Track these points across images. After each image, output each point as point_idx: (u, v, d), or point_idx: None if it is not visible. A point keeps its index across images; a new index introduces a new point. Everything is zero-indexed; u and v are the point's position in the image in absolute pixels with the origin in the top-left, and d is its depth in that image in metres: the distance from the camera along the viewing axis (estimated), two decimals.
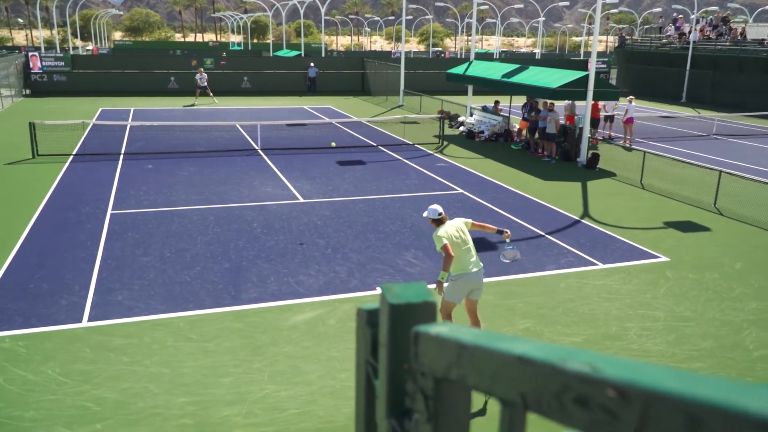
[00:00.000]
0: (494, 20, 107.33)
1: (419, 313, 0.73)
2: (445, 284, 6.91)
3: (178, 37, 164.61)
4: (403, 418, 0.73)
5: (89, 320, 7.76)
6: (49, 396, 6.16)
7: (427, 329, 0.69)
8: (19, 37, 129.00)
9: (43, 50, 50.76)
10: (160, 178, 15.35)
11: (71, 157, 17.61)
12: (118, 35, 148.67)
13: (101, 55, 47.79)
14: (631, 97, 22.68)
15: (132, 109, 28.70)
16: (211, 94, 32.72)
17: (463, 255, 6.84)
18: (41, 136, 18.04)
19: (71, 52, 57.26)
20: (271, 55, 57.67)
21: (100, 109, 28.28)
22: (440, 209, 7.01)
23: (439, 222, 6.96)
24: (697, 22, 42.65)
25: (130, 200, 13.32)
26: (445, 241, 6.70)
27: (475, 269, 6.88)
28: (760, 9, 60.19)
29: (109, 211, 12.46)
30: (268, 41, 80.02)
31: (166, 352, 7.07)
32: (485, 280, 7.54)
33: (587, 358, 0.52)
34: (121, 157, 17.90)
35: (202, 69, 33.23)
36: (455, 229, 6.92)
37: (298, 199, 13.75)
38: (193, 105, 31.07)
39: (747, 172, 17.24)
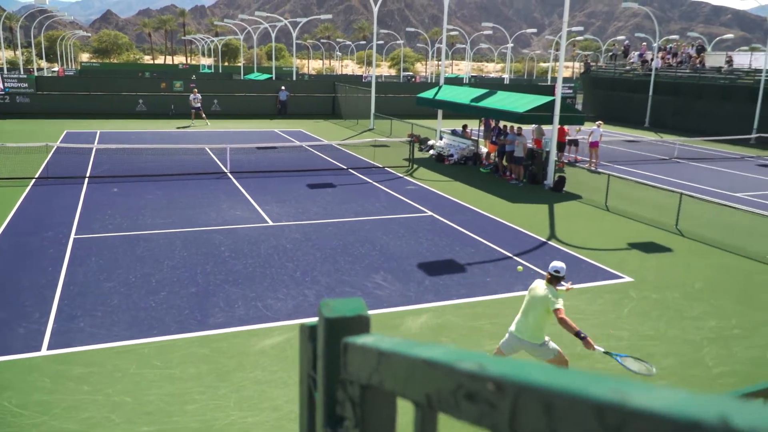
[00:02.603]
0: (464, 46, 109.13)
1: (352, 326, 0.77)
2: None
3: (147, 59, 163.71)
4: (337, 426, 0.77)
5: (49, 348, 7.58)
6: (5, 429, 5.98)
7: (354, 340, 0.74)
8: None
9: (5, 71, 49.97)
10: (126, 202, 15.17)
11: (33, 180, 17.30)
12: (85, 57, 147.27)
13: (67, 77, 47.26)
14: (599, 122, 23.21)
15: (98, 132, 28.36)
16: (204, 116, 32.49)
17: (520, 315, 6.69)
18: (2, 159, 17.72)
19: (35, 73, 56.50)
20: (242, 78, 57.70)
21: (65, 132, 27.88)
22: (560, 268, 6.63)
23: (554, 280, 6.63)
24: (662, 49, 43.93)
25: (95, 224, 13.12)
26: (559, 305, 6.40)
27: (520, 336, 6.62)
28: (717, 38, 62.31)
29: (73, 236, 12.25)
30: (239, 64, 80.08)
31: (129, 380, 6.94)
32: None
33: (478, 359, 0.58)
34: (86, 180, 17.65)
35: (195, 90, 32.74)
36: (533, 291, 6.66)
37: (268, 223, 13.69)
38: (187, 127, 30.81)
39: (707, 194, 17.70)
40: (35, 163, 19.42)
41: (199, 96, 31.77)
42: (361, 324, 0.78)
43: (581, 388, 0.47)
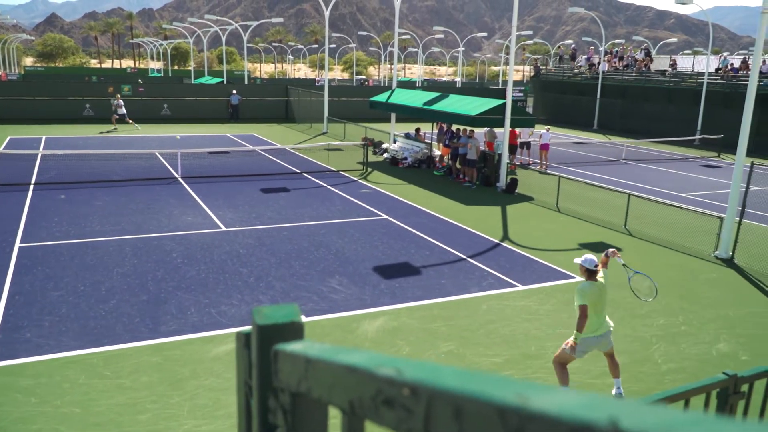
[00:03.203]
0: (416, 49, 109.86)
1: (286, 333, 0.77)
2: (571, 339, 6.74)
3: (94, 63, 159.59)
4: None
5: None
6: None
7: (284, 347, 0.73)
8: None
9: None
10: (73, 209, 14.74)
11: None
12: (29, 61, 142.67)
13: (10, 81, 45.68)
14: (548, 127, 23.71)
15: (44, 137, 27.49)
16: (130, 121, 31.81)
17: (594, 318, 6.63)
18: None
19: None
20: (193, 82, 56.79)
21: (9, 138, 26.94)
22: (596, 260, 6.73)
23: (591, 274, 6.71)
24: (608, 53, 45.10)
25: (41, 232, 12.71)
26: (586, 302, 6.51)
27: (602, 332, 6.68)
28: (661, 42, 64.36)
29: (17, 244, 11.83)
30: (190, 68, 78.78)
31: (78, 390, 6.74)
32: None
33: (397, 364, 0.58)
34: (31, 187, 17.08)
35: (118, 95, 32.04)
36: (598, 288, 6.67)
37: (221, 228, 13.51)
38: (110, 131, 30.07)
39: (653, 194, 18.26)
40: None
41: (121, 102, 31.27)
42: (295, 331, 0.78)
43: (487, 392, 0.48)
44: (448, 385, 0.51)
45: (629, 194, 15.17)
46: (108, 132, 29.93)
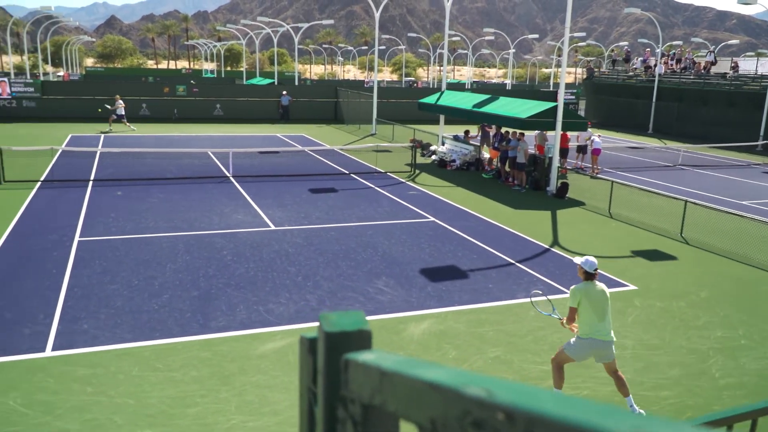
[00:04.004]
0: (466, 51, 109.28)
1: (354, 341, 0.75)
2: (572, 340, 6.75)
3: (150, 64, 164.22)
4: None
5: (53, 349, 7.57)
6: (9, 428, 5.97)
7: (356, 356, 0.71)
8: None
9: (12, 76, 50.14)
10: (129, 205, 15.17)
11: (39, 183, 17.33)
12: (90, 62, 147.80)
13: (72, 81, 47.41)
14: (599, 133, 23.23)
15: (102, 135, 28.41)
16: (127, 122, 31.14)
17: (595, 320, 6.58)
18: (9, 162, 17.74)
19: (41, 78, 56.69)
20: (245, 82, 57.81)
21: (70, 135, 27.95)
22: (596, 264, 6.79)
23: (589, 277, 6.73)
24: (665, 55, 43.90)
25: (98, 227, 13.12)
26: (575, 305, 6.59)
27: (603, 338, 6.59)
28: (722, 44, 62.26)
29: (77, 239, 12.24)
30: (242, 69, 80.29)
31: (131, 382, 6.92)
32: (464, 307, 7.50)
33: (486, 383, 0.55)
34: (90, 183, 17.67)
35: (118, 96, 31.66)
36: (597, 292, 6.63)
37: (270, 227, 13.68)
38: (107, 132, 29.92)
39: (711, 201, 17.66)
40: (41, 166, 19.47)
41: (122, 103, 30.68)
42: (362, 339, 0.76)
43: (598, 424, 0.44)
44: (549, 411, 0.48)
45: (686, 201, 14.69)
46: (107, 132, 29.89)
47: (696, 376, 7.68)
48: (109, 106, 30.15)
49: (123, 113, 30.73)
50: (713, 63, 41.07)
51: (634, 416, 0.45)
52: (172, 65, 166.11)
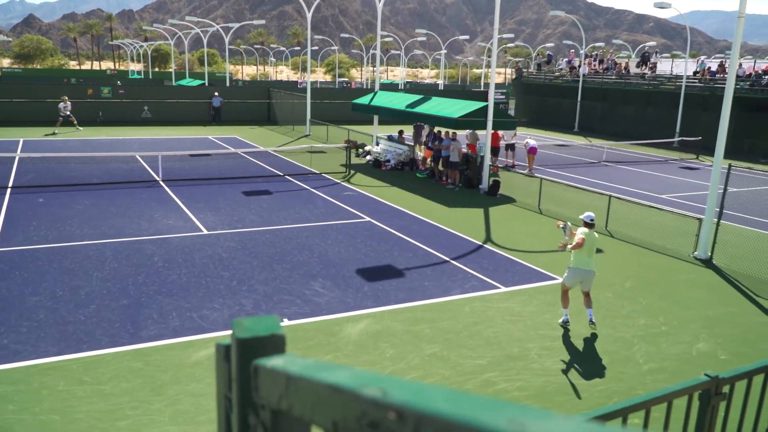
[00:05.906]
0: (398, 52, 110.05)
1: (267, 346, 0.74)
2: (565, 274, 8.96)
3: (73, 64, 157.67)
4: None
5: None
6: None
7: (265, 362, 0.71)
8: None
9: None
10: (52, 212, 14.53)
11: None
12: (6, 62, 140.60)
13: None
14: (531, 135, 23.82)
15: (21, 140, 27.10)
16: (75, 122, 30.78)
17: (585, 255, 8.71)
18: None
19: None
20: (174, 84, 56.35)
21: None
22: (594, 216, 9.06)
23: (588, 226, 8.89)
24: (588, 56, 45.46)
25: (18, 236, 12.51)
26: (583, 238, 8.64)
27: (588, 268, 8.73)
28: (641, 45, 65.05)
29: None
30: (170, 70, 78.20)
31: (57, 397, 6.64)
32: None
33: (383, 384, 0.56)
34: (9, 190, 16.82)
35: (65, 98, 31.05)
36: (592, 236, 8.84)
37: (202, 231, 13.39)
38: (53, 134, 29.23)
39: (633, 195, 18.43)
40: None
41: (69, 104, 30.28)
42: (276, 344, 0.75)
43: (479, 418, 0.46)
44: (437, 410, 0.49)
45: (610, 196, 15.29)
46: (52, 134, 29.08)
47: (622, 362, 8.01)
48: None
49: (69, 113, 29.73)
50: (648, 63, 42.53)
51: (511, 409, 0.47)
52: (96, 66, 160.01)
